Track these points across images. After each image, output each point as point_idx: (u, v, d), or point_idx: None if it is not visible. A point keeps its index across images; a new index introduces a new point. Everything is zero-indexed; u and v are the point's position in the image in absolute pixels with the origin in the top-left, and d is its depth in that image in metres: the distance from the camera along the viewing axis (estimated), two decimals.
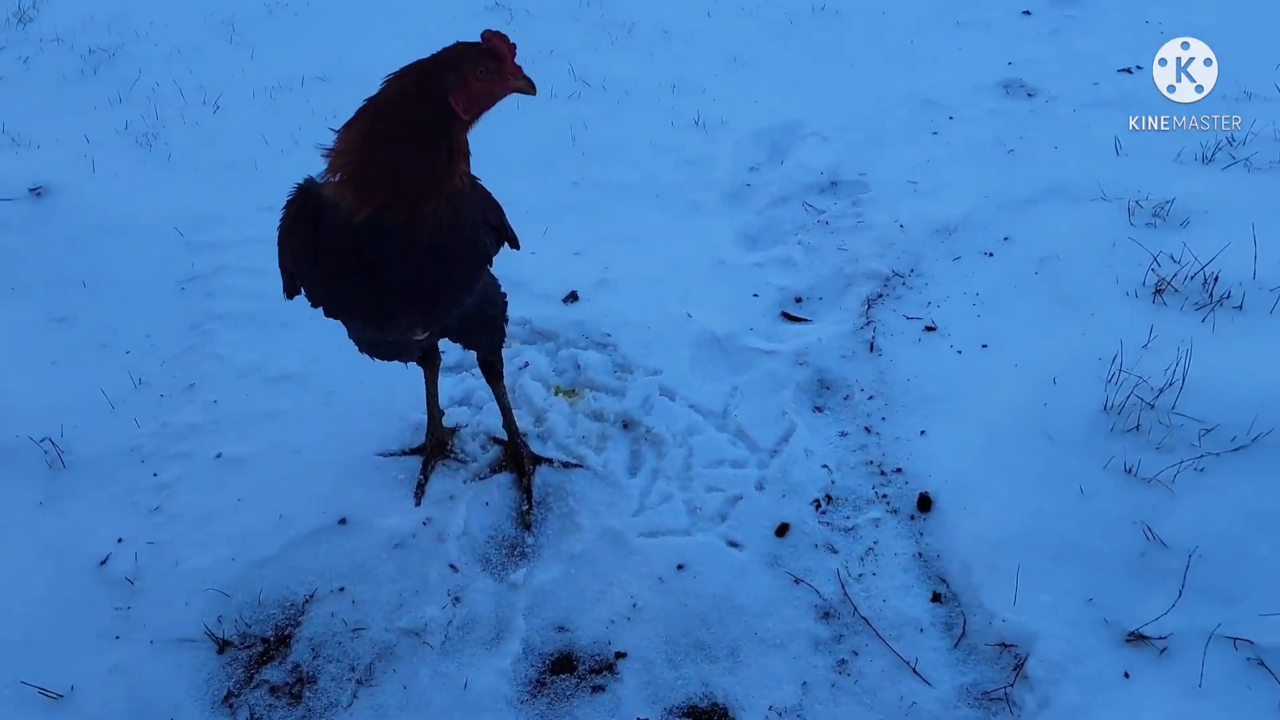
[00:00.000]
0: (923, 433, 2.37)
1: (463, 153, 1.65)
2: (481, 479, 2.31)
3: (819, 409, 2.50)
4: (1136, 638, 1.84)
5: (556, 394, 2.53)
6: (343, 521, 2.20)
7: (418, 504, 2.24)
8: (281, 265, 1.87)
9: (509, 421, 2.33)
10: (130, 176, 3.53)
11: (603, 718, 1.88)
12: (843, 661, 1.95)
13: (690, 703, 1.91)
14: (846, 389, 2.53)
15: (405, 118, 1.59)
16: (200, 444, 2.39)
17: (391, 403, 2.46)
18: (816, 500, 2.26)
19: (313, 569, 2.11)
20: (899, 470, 2.31)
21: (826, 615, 2.03)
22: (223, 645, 1.99)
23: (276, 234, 1.81)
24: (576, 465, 2.33)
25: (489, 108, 1.65)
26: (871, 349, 2.62)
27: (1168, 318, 2.44)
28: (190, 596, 2.05)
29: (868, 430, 2.42)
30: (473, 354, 2.32)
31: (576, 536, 2.19)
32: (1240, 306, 2.42)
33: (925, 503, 2.21)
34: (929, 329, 2.65)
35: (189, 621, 2.01)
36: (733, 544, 2.17)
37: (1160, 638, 1.83)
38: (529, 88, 1.66)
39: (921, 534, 2.17)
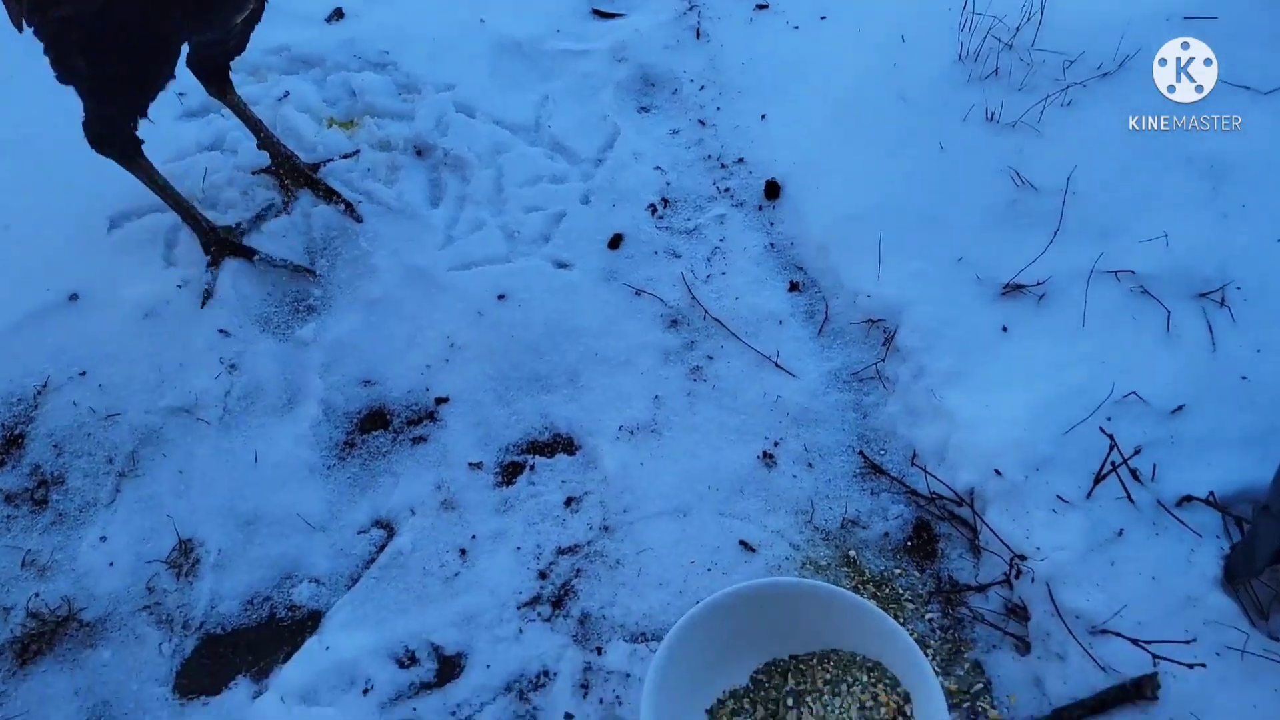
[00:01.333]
0: (764, 117, 2.07)
1: None
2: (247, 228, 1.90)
3: (645, 108, 2.16)
4: (1012, 289, 1.65)
5: (330, 126, 2.10)
6: (74, 297, 1.77)
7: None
8: None
9: (268, 133, 1.94)
10: None
11: (430, 470, 1.60)
12: (697, 368, 1.70)
13: (529, 438, 1.64)
14: (674, 82, 2.19)
15: None
16: None
17: None
18: (652, 205, 1.95)
19: (40, 355, 1.70)
20: (740, 160, 2.01)
21: (674, 323, 1.77)
22: None
23: None
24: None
25: None
26: (698, 35, 2.26)
27: None
28: None
29: (702, 123, 2.10)
30: (216, 99, 1.92)
31: (374, 280, 1.84)
32: None
33: (773, 190, 1.94)
34: (760, 7, 2.30)
35: None
36: (560, 264, 1.86)
37: (1037, 284, 1.64)
38: None
39: (771, 224, 1.91)
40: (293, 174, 1.95)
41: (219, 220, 1.87)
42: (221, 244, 1.82)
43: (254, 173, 1.99)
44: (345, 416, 1.68)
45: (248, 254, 1.82)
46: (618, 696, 1.34)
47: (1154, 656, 1.20)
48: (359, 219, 1.91)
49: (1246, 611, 1.26)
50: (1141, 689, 1.20)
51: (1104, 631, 1.26)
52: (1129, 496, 1.37)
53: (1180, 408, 1.45)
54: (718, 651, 1.28)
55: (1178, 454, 1.41)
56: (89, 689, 1.39)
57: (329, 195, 1.93)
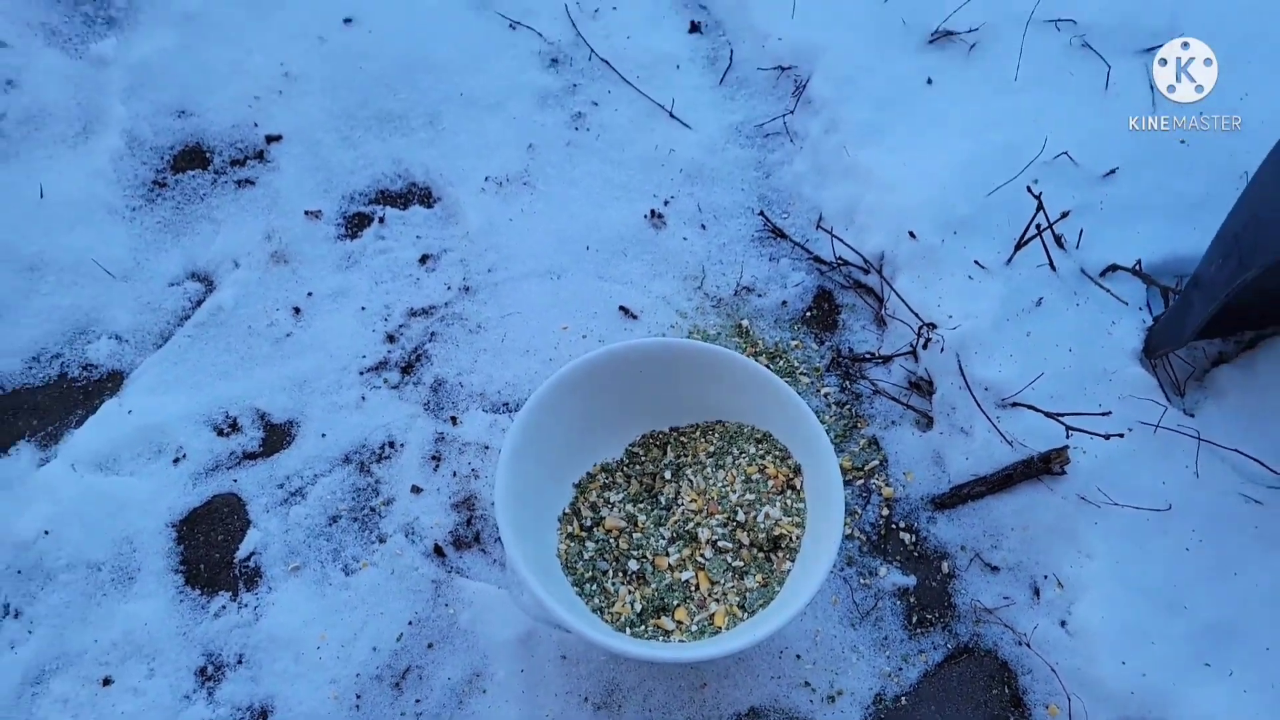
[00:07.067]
0: None
1: None
2: None
3: None
4: (942, 36, 1.45)
5: None
6: None
7: None
8: None
9: None
10: None
11: (258, 217, 1.35)
12: (579, 115, 1.47)
13: (379, 186, 1.40)
14: None
15: None
16: None
17: None
18: None
19: None
20: None
21: (554, 62, 1.52)
22: None
23: None
24: None
25: None
26: None
27: None
28: None
29: None
30: None
31: None
32: None
33: None
34: None
35: None
36: None
37: (970, 31, 1.44)
38: None
39: None
40: None
41: None
42: None
43: None
44: (155, 152, 1.39)
45: None
46: (474, 470, 1.17)
47: (1067, 428, 1.09)
48: None
49: (1162, 386, 1.16)
50: (1049, 463, 1.10)
51: (1015, 404, 1.15)
52: (1051, 264, 1.24)
53: (1113, 171, 1.30)
54: (588, 421, 1.11)
55: (1106, 220, 1.27)
56: None
57: None
